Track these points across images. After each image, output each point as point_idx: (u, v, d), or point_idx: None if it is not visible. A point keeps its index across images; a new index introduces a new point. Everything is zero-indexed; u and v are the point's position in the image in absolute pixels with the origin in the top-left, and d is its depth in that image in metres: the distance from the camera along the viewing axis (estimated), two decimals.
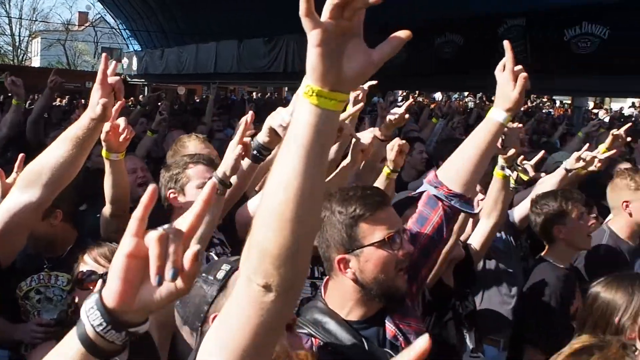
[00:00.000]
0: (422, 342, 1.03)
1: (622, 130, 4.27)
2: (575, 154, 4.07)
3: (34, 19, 46.99)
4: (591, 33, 10.42)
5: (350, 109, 3.27)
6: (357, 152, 3.06)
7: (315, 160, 1.13)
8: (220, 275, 1.79)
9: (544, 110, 22.87)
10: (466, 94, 29.17)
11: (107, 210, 3.20)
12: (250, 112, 2.62)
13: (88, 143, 2.35)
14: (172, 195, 3.08)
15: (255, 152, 2.67)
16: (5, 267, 2.61)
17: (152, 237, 1.03)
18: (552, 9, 11.02)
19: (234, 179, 2.60)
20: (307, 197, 1.13)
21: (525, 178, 3.74)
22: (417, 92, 26.05)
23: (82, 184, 2.81)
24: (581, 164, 4.00)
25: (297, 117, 1.13)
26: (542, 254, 3.67)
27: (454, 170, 2.19)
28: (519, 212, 4.05)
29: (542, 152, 4.19)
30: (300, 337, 1.84)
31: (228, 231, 3.10)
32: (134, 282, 1.05)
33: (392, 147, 3.27)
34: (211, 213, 2.37)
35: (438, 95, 27.39)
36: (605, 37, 10.25)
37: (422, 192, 2.27)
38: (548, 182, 4.04)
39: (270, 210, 1.15)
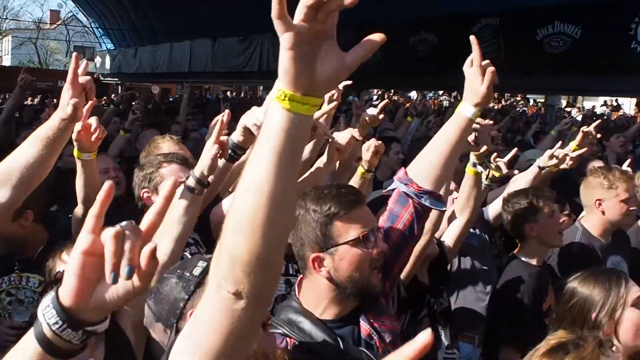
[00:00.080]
0: (424, 337, 1.01)
1: (591, 128, 4.33)
2: (548, 152, 4.11)
3: (4, 17, 46.32)
4: (563, 32, 10.56)
5: (325, 107, 3.27)
6: (333, 151, 3.05)
7: (287, 164, 1.11)
8: (197, 271, 1.78)
9: (517, 109, 23.12)
10: (441, 92, 29.35)
11: (79, 210, 3.18)
12: (227, 111, 2.60)
13: (59, 143, 2.31)
14: (145, 195, 3.05)
15: (229, 151, 2.66)
16: None
17: (108, 234, 1.01)
18: (525, 8, 11.16)
19: (211, 179, 2.59)
20: (279, 201, 1.11)
21: (498, 175, 3.78)
22: (392, 91, 26.17)
23: (53, 184, 2.79)
24: (554, 161, 4.04)
25: (269, 121, 1.10)
26: (515, 251, 3.71)
27: (423, 167, 2.18)
28: (493, 210, 4.08)
29: (515, 149, 4.24)
30: (274, 336, 1.84)
31: (203, 231, 3.07)
32: (91, 280, 1.04)
33: (368, 148, 3.27)
34: (189, 213, 2.34)
35: (413, 94, 27.50)
36: (577, 37, 10.40)
37: (393, 189, 2.27)
38: (521, 180, 4.08)
39: (241, 215, 1.13)
